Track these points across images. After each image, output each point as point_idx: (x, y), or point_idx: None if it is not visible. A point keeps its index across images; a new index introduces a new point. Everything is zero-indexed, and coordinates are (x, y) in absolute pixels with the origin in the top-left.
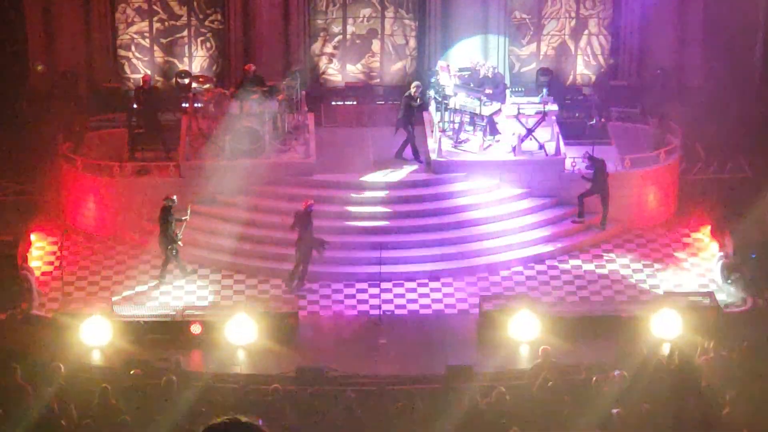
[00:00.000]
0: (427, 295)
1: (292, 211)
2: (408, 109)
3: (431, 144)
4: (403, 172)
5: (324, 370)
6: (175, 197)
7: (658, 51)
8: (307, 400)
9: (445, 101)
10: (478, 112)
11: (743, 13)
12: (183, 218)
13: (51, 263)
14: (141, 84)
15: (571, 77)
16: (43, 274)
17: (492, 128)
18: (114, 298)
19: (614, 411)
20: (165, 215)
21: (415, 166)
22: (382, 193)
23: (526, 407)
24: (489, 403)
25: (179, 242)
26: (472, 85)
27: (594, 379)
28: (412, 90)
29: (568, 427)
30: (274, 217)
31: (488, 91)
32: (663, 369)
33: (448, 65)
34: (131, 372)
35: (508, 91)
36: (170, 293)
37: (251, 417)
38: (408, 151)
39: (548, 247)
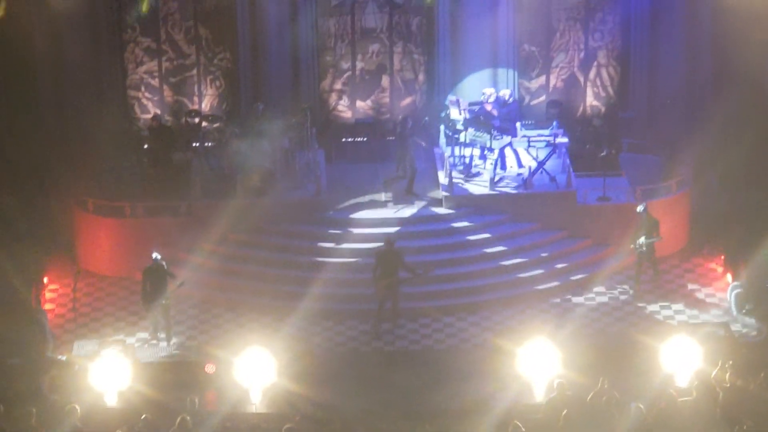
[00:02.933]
0: (440, 330)
1: (305, 248)
2: (404, 143)
3: (442, 179)
4: (414, 208)
5: (339, 408)
6: (156, 255)
7: (667, 81)
8: None
9: (456, 135)
10: (488, 145)
11: (754, 39)
12: (178, 284)
13: (64, 305)
14: (150, 123)
15: (581, 109)
16: (56, 316)
17: (502, 162)
18: (128, 340)
19: None
20: (149, 275)
21: (423, 202)
22: (393, 229)
23: None
24: None
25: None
26: (482, 119)
27: (609, 411)
28: (403, 123)
29: None
30: (288, 256)
31: (498, 123)
32: (679, 400)
33: (457, 99)
34: (142, 417)
35: (518, 124)
36: (183, 333)
37: None
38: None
39: (561, 280)
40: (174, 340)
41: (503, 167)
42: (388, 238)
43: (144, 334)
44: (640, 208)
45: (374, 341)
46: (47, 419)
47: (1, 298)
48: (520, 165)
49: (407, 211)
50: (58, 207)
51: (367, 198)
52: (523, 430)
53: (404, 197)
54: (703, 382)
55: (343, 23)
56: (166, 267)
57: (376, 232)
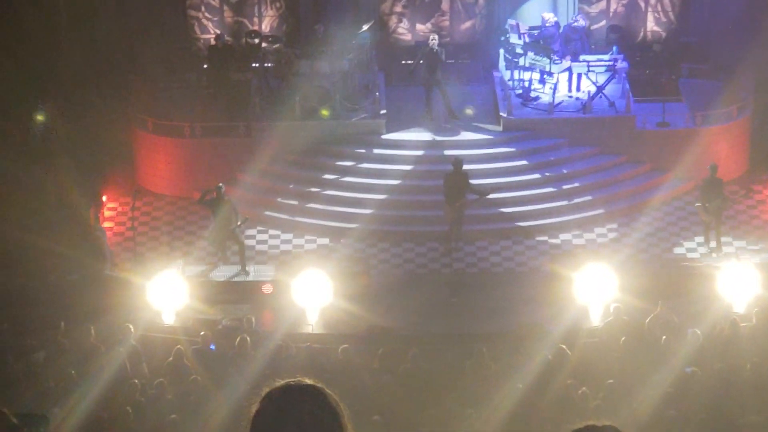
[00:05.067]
0: (497, 253)
1: (364, 170)
2: (435, 64)
3: (501, 103)
4: (473, 131)
5: (395, 329)
6: (220, 185)
7: (729, 5)
8: (379, 359)
9: (515, 59)
10: (547, 69)
11: None
12: (241, 221)
13: (123, 224)
14: (213, 43)
15: (641, 34)
16: (115, 234)
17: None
18: (186, 258)
19: (687, 369)
20: (214, 203)
21: (482, 125)
22: (452, 152)
23: (597, 366)
24: (558, 361)
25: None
26: (541, 43)
27: (665, 337)
28: (434, 43)
29: (639, 385)
30: (344, 177)
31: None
32: (737, 327)
33: (517, 23)
34: (201, 333)
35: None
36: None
37: (316, 380)
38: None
39: (618, 205)
40: (248, 266)
41: (578, 89)
42: (456, 160)
43: (202, 254)
44: (712, 166)
45: (443, 258)
46: (106, 337)
47: (60, 215)
48: (579, 89)
49: (465, 135)
50: (116, 126)
51: (424, 121)
52: (569, 353)
53: (452, 121)
54: (762, 308)
55: None
56: (229, 200)
57: (433, 155)
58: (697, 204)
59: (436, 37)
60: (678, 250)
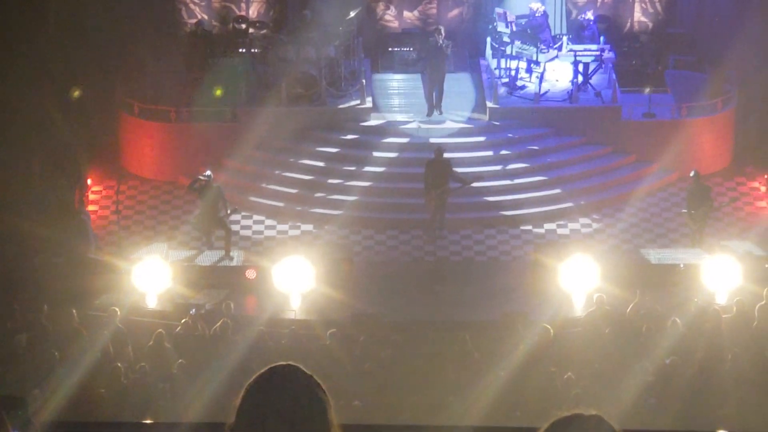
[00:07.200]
0: (481, 242)
1: (349, 156)
2: (441, 59)
3: (487, 91)
4: (459, 119)
5: (378, 316)
6: (208, 173)
7: None
8: (361, 345)
9: (502, 48)
10: (534, 59)
11: None
12: (231, 211)
13: (107, 207)
14: (193, 29)
15: (628, 24)
16: (99, 218)
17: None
18: (170, 243)
19: (667, 360)
20: (203, 190)
21: (468, 114)
22: (437, 140)
23: (580, 355)
24: (542, 350)
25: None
26: (529, 32)
27: (645, 326)
28: (440, 37)
29: (621, 374)
30: (329, 164)
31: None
32: (718, 318)
33: (505, 12)
34: (182, 321)
35: (564, 38)
36: (223, 238)
37: (300, 364)
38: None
39: (603, 195)
40: (232, 251)
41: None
42: (438, 148)
43: (186, 238)
44: (691, 174)
45: (427, 245)
46: (89, 320)
47: (44, 199)
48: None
49: (451, 123)
50: (101, 110)
51: (410, 108)
52: (552, 331)
53: (448, 109)
54: (743, 300)
55: None
56: (218, 187)
57: (419, 143)
58: (683, 211)
59: (442, 30)
60: (662, 241)
